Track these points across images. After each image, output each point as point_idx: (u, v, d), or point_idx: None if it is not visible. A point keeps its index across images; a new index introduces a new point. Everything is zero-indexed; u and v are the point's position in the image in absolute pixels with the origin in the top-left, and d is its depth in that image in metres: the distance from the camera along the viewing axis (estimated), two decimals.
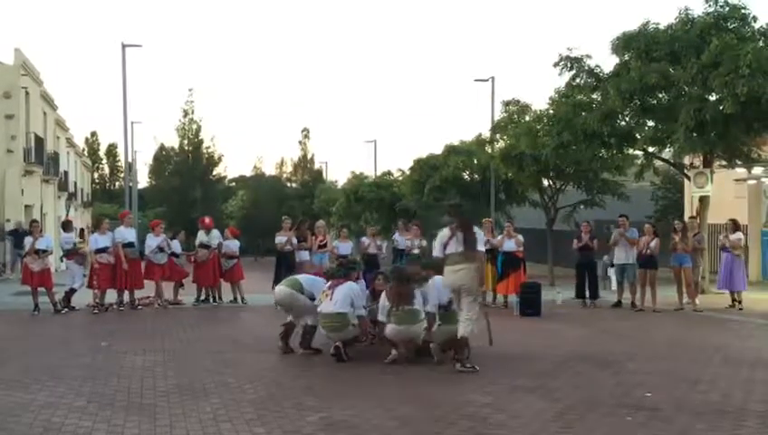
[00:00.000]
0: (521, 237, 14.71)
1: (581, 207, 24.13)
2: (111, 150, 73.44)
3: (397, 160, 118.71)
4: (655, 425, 5.74)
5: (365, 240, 15.83)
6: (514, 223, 17.12)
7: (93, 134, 73.07)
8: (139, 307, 13.93)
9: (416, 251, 14.85)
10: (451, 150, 28.95)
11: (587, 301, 14.64)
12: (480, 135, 28.31)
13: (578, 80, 18.55)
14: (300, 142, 61.85)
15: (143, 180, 55.10)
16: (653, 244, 13.94)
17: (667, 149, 18.80)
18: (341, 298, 8.32)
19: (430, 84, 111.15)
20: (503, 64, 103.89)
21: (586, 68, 18.39)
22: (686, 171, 18.94)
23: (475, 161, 28.15)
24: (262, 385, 7.11)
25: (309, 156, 61.29)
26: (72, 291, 13.65)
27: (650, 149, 18.67)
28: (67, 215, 31.38)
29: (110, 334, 10.52)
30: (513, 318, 12.86)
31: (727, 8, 16.59)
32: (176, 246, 14.81)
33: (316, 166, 59.75)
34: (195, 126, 52.14)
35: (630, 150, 19.23)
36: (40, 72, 30.86)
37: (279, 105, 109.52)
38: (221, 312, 13.90)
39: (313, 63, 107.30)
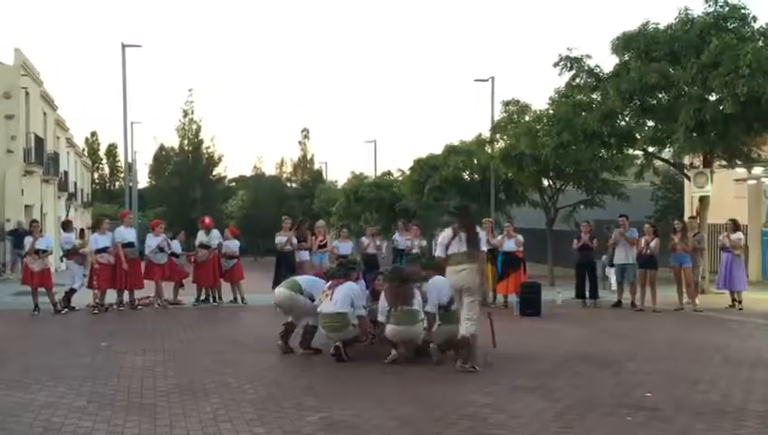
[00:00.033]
0: (521, 237, 14.72)
1: (581, 207, 24.12)
2: (111, 150, 73.42)
3: (397, 160, 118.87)
4: (655, 425, 5.74)
5: (364, 240, 15.85)
6: (514, 223, 17.11)
7: (93, 134, 73.17)
8: (139, 307, 13.93)
9: (416, 251, 14.85)
10: (451, 150, 28.94)
11: (587, 301, 14.65)
12: (480, 135, 28.30)
13: (578, 80, 18.55)
14: (300, 142, 61.98)
15: (143, 180, 55.23)
16: (653, 244, 13.94)
17: (667, 149, 18.80)
18: (341, 298, 8.33)
19: (430, 84, 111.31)
20: (503, 64, 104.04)
21: (586, 68, 18.40)
22: (686, 171, 18.95)
23: (475, 161, 28.13)
24: (262, 385, 7.11)
25: (309, 156, 61.38)
26: (72, 291, 13.65)
27: (650, 149, 18.66)
28: (67, 215, 31.37)
29: (110, 334, 10.53)
30: (513, 318, 12.86)
31: (727, 8, 16.59)
32: (176, 246, 14.82)
33: (316, 166, 59.82)
34: (195, 126, 52.22)
35: (630, 150, 19.22)
36: (40, 72, 30.89)
37: (279, 105, 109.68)
38: (221, 312, 13.90)
39: (313, 63, 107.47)
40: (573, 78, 18.58)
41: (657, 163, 20.83)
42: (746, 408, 6.29)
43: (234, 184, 60.71)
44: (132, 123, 33.15)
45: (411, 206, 30.16)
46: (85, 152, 60.40)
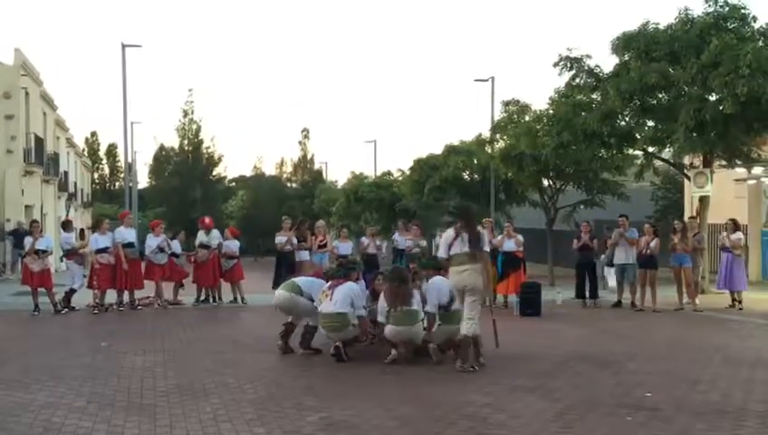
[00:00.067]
0: (521, 237, 14.72)
1: (581, 207, 24.11)
2: (111, 151, 73.44)
3: (397, 160, 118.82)
4: (655, 425, 5.74)
5: (364, 240, 15.85)
6: (514, 223, 17.11)
7: (93, 134, 73.19)
8: (139, 307, 13.93)
9: (416, 251, 14.85)
10: (451, 150, 28.94)
11: (587, 301, 14.65)
12: (480, 135, 28.33)
13: (578, 80, 18.54)
14: (300, 142, 61.93)
15: (143, 180, 55.24)
16: (653, 244, 13.94)
17: (667, 149, 18.79)
18: (341, 298, 8.33)
19: (430, 84, 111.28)
20: (503, 64, 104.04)
21: (586, 68, 18.39)
22: (686, 171, 18.94)
23: (475, 161, 28.14)
24: (262, 385, 7.11)
25: (309, 156, 61.34)
26: (72, 291, 13.65)
27: (650, 149, 18.66)
28: (67, 215, 31.37)
29: (110, 334, 10.53)
30: (513, 318, 12.86)
31: (727, 8, 16.59)
32: (176, 246, 14.82)
33: (316, 166, 59.80)
34: (195, 126, 52.17)
35: (630, 150, 19.21)
36: (40, 72, 30.89)
37: (279, 105, 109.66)
38: (221, 312, 13.91)
39: (313, 63, 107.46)
40: (573, 78, 18.57)
41: (657, 163, 20.82)
42: (746, 408, 6.29)
43: (234, 184, 60.71)
44: (132, 123, 33.25)
45: (411, 206, 30.17)
46: (85, 152, 60.43)
